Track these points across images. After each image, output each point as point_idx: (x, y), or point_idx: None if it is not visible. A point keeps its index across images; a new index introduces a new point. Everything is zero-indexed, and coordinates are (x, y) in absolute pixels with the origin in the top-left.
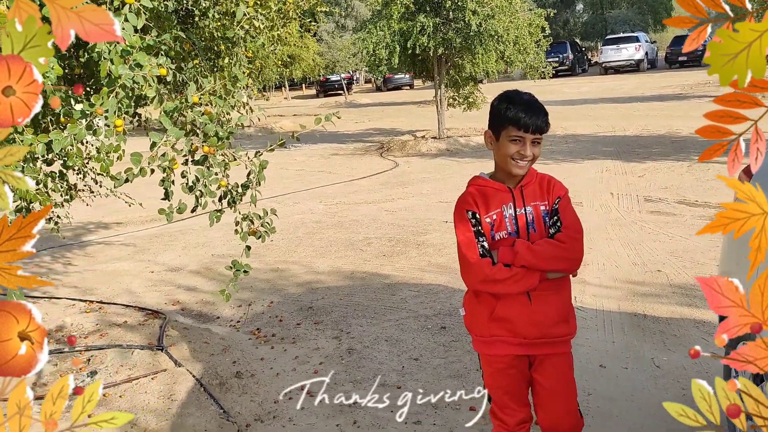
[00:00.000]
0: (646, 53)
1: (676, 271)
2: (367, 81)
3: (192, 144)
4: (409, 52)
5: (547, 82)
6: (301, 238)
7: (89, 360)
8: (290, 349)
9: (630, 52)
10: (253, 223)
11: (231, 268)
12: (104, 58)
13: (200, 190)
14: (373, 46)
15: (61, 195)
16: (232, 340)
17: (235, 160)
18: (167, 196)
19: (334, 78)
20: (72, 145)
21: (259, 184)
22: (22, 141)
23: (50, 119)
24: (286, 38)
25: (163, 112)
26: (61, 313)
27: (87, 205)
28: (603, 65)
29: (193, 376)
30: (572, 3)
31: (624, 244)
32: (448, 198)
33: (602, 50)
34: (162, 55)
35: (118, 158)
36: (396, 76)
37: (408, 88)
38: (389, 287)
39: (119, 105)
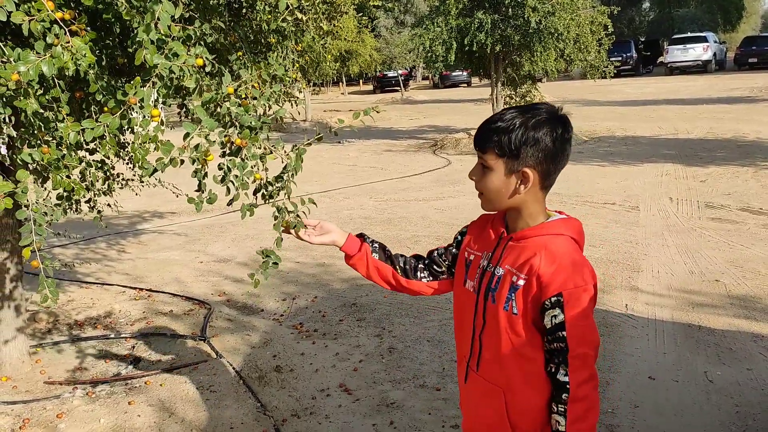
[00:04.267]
0: (714, 54)
1: (735, 281)
2: (425, 78)
3: (226, 136)
4: (466, 48)
5: (608, 82)
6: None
7: (134, 347)
8: (331, 345)
9: (697, 52)
10: (288, 214)
11: (261, 253)
12: (140, 49)
13: (232, 182)
14: (429, 42)
15: (102, 183)
16: (274, 334)
17: (271, 153)
18: (200, 187)
19: (391, 74)
20: (105, 135)
21: (296, 174)
22: (61, 129)
23: (94, 109)
24: (336, 32)
25: (199, 105)
26: (111, 299)
27: (136, 194)
28: (668, 65)
29: (233, 369)
30: (638, 1)
31: (681, 251)
32: None
33: (668, 50)
34: (200, 45)
35: (155, 149)
36: (453, 74)
37: (465, 85)
38: None
39: (157, 94)
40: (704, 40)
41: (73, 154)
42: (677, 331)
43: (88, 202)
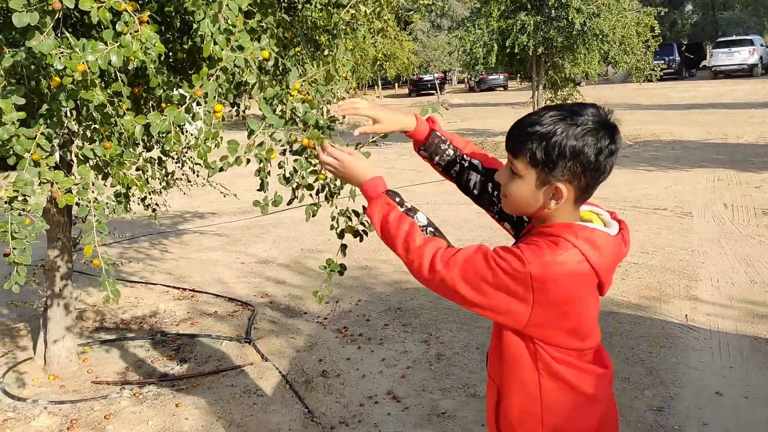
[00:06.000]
0: (761, 57)
1: None
2: (460, 81)
3: (291, 135)
4: (507, 51)
5: (652, 85)
6: None
7: (179, 348)
8: (377, 351)
9: (743, 55)
10: (351, 219)
11: (325, 267)
12: (208, 40)
13: (297, 182)
14: (470, 45)
15: (159, 182)
16: (318, 337)
17: None
18: (262, 187)
19: (427, 77)
20: (170, 130)
21: None
22: (122, 124)
23: (151, 105)
24: (386, 30)
25: (263, 99)
26: (156, 299)
27: (184, 194)
28: (713, 69)
29: (280, 373)
30: (681, 3)
31: (740, 259)
32: None
33: (713, 53)
34: (265, 37)
35: (216, 146)
36: (490, 77)
37: (502, 89)
38: None
39: (219, 89)
40: (750, 43)
41: (132, 150)
42: (743, 344)
43: (143, 200)
